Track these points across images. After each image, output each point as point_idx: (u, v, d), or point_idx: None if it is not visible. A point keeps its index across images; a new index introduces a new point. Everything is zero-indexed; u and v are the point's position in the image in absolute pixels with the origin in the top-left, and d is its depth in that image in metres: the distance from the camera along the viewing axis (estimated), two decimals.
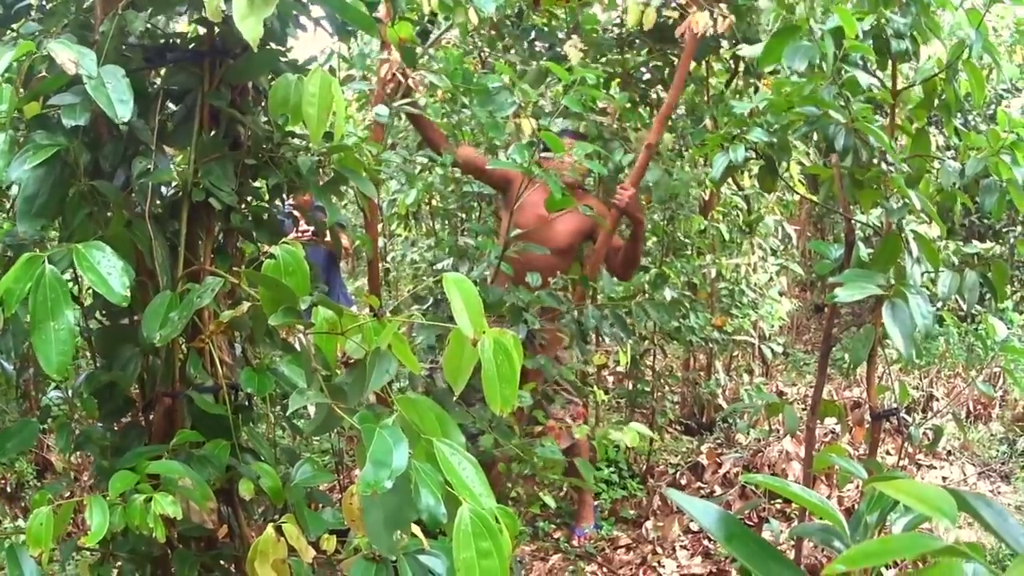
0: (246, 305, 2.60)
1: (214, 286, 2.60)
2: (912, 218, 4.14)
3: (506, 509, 1.97)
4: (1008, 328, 7.67)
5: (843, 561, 1.08)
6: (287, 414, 2.65)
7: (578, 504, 5.98)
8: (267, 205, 3.32)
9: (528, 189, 4.87)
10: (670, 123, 6.52)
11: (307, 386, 2.35)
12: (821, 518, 1.59)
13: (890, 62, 3.79)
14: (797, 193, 7.49)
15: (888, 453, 7.53)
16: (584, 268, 5.35)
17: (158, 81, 3.13)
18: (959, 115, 3.93)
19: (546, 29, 6.58)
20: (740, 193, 7.71)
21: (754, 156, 3.95)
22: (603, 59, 6.49)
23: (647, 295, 4.85)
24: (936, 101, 3.83)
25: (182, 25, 3.37)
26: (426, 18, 5.11)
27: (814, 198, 7.53)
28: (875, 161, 3.71)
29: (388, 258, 8.56)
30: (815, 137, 4.07)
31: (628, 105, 5.82)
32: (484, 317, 2.03)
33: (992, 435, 8.48)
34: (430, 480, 1.92)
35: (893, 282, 3.55)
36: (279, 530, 2.64)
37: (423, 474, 1.92)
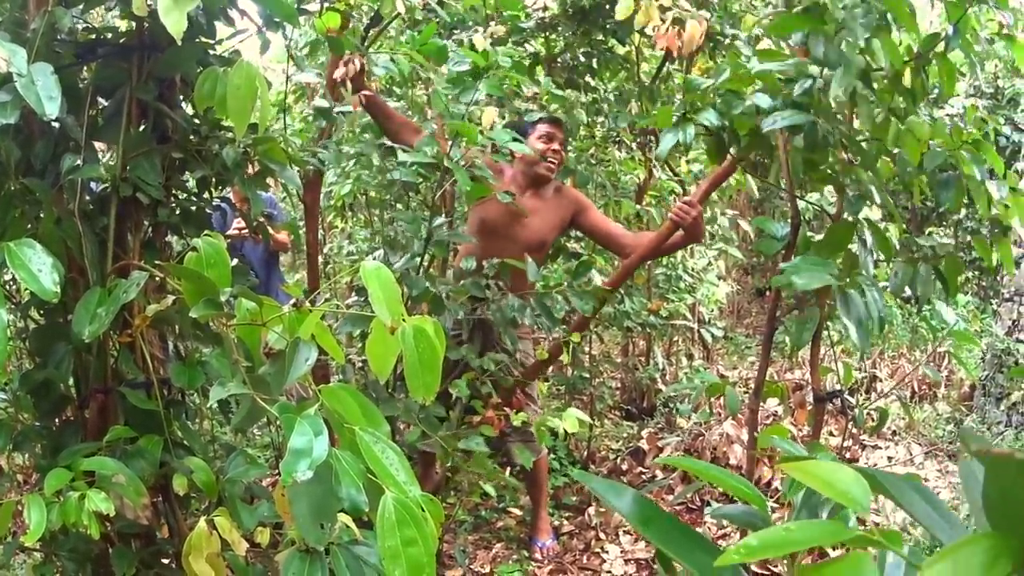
0: (170, 298, 2.59)
1: (139, 280, 2.59)
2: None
3: (431, 497, 1.97)
4: (953, 309, 7.75)
5: (740, 551, 1.02)
6: (210, 406, 2.64)
7: (533, 517, 5.92)
8: (195, 199, 3.31)
9: (497, 182, 4.81)
10: (599, 106, 6.52)
11: (230, 378, 2.35)
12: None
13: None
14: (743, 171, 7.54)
15: (832, 434, 7.58)
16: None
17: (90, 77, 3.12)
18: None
19: (467, 18, 6.53)
20: (675, 178, 7.73)
21: (705, 132, 3.91)
22: (526, 44, 6.47)
23: (569, 283, 4.79)
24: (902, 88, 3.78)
25: (121, 21, 3.34)
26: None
27: (755, 184, 7.58)
28: (830, 141, 3.67)
29: (325, 250, 8.54)
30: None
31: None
32: (402, 304, 2.03)
33: (938, 415, 8.56)
34: (351, 469, 1.92)
35: (841, 269, 3.55)
36: (212, 524, 2.64)
37: (343, 463, 1.92)
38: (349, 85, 4.40)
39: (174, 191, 3.22)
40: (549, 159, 5.19)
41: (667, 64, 6.90)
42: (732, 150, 3.96)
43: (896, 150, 3.86)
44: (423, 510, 1.85)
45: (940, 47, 3.58)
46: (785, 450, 2.35)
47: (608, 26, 6.24)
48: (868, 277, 3.60)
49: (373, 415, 2.07)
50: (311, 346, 2.22)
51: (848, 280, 3.49)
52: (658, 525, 1.30)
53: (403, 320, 2.00)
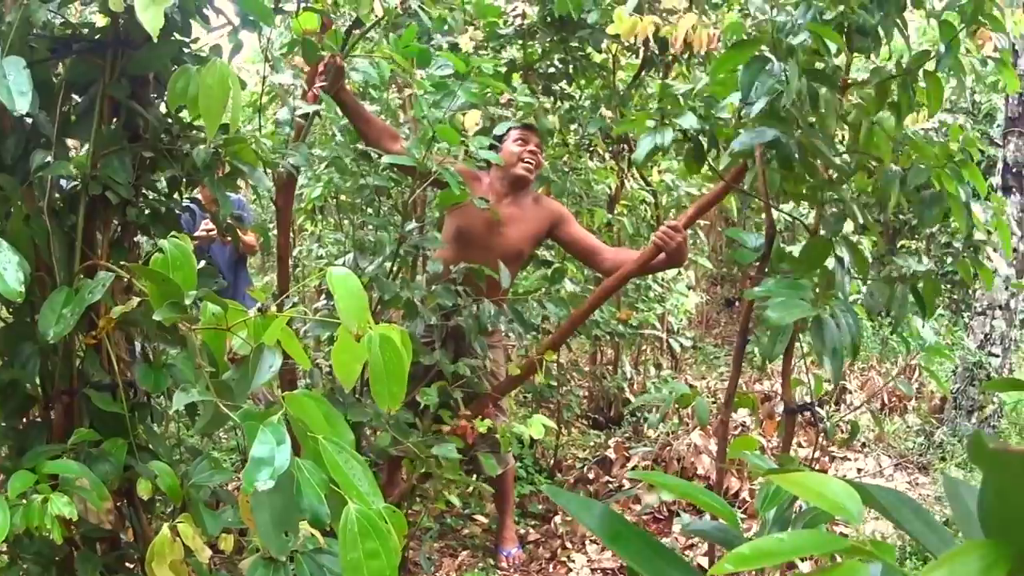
0: (136, 300, 2.57)
1: (106, 281, 2.56)
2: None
3: (394, 508, 1.95)
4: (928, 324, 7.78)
5: (733, 560, 1.01)
6: (173, 411, 2.62)
7: (499, 525, 5.89)
8: (165, 199, 3.28)
9: (473, 190, 4.77)
10: (573, 115, 6.51)
11: (194, 383, 2.33)
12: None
13: (845, 56, 3.69)
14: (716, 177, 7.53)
15: (800, 445, 7.58)
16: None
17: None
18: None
19: (447, 24, 6.50)
20: (647, 187, 7.73)
21: (682, 137, 3.87)
22: (503, 51, 6.45)
23: (546, 290, 4.76)
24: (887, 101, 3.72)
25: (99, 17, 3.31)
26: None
27: (734, 202, 7.57)
28: (800, 156, 3.61)
29: (294, 253, 8.51)
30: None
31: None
32: (369, 312, 2.01)
33: (908, 427, 8.59)
34: (313, 479, 1.90)
35: (816, 289, 3.51)
36: (175, 530, 2.61)
37: (305, 472, 1.90)
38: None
39: (144, 190, 3.19)
40: (526, 160, 5.15)
41: (643, 72, 6.90)
42: (711, 159, 3.93)
43: (874, 164, 3.83)
44: (386, 522, 1.83)
45: (931, 64, 3.55)
46: (754, 463, 2.34)
47: (581, 35, 6.23)
48: (844, 301, 3.57)
49: (337, 424, 2.05)
50: (275, 352, 2.20)
51: (824, 307, 3.45)
52: (628, 541, 1.26)
53: (369, 328, 1.98)
